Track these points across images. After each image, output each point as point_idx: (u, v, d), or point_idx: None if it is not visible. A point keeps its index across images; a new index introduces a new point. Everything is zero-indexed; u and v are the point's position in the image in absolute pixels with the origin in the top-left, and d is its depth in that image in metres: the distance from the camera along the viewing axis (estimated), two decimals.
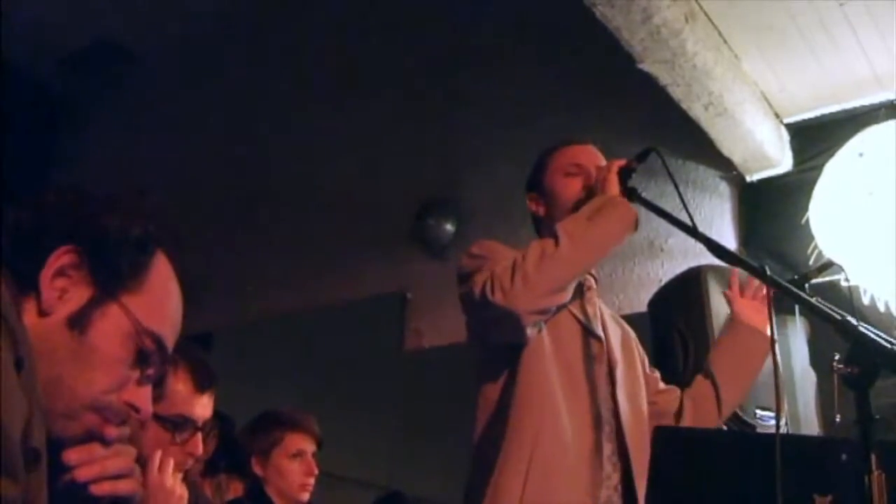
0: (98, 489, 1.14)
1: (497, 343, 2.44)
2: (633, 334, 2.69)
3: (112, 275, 1.16)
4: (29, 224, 1.11)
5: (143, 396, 1.19)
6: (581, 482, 2.29)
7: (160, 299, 1.21)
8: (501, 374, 2.41)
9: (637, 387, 2.55)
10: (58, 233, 1.12)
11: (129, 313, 1.16)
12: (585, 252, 2.34)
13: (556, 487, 2.27)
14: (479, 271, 2.35)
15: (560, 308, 2.41)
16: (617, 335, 2.58)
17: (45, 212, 1.13)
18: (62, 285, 1.11)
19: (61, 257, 1.11)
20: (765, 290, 2.49)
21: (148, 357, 1.19)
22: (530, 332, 2.35)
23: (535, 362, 2.38)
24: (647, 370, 2.68)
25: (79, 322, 1.12)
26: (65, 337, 1.12)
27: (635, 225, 2.38)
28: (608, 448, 2.37)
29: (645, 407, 2.54)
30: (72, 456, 1.12)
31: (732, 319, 2.72)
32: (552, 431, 2.31)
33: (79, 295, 1.13)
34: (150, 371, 1.20)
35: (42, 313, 1.10)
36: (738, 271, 2.73)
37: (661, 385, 2.70)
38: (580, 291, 2.52)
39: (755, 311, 2.67)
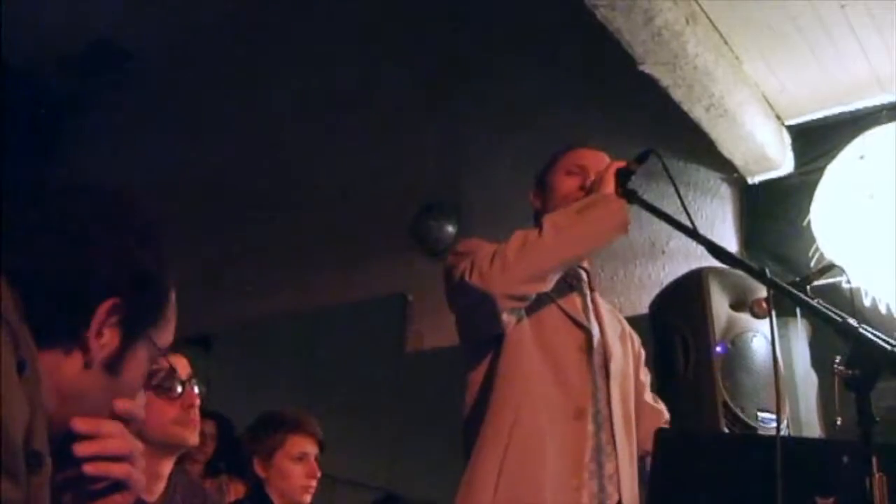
0: (91, 468, 1.13)
1: (476, 334, 2.45)
2: (630, 331, 2.69)
3: (147, 318, 1.17)
4: (73, 281, 1.09)
5: (140, 402, 1.21)
6: (561, 474, 2.29)
7: (172, 320, 1.23)
8: (483, 365, 2.42)
9: (628, 382, 2.55)
10: (101, 286, 1.11)
11: (154, 345, 1.18)
12: (568, 244, 2.33)
13: (530, 481, 2.27)
14: (461, 263, 2.35)
15: (546, 301, 2.41)
16: (615, 327, 2.58)
17: (86, 263, 1.10)
18: (98, 330, 1.11)
19: (104, 310, 1.11)
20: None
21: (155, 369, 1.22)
22: (506, 318, 2.35)
23: (514, 354, 2.38)
24: (641, 374, 2.67)
25: (114, 366, 1.13)
26: (100, 381, 1.13)
27: (625, 226, 2.36)
28: (602, 437, 2.37)
29: (633, 403, 2.53)
30: (79, 424, 1.12)
31: None
32: (529, 423, 2.32)
33: (113, 338, 1.13)
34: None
35: (87, 366, 1.11)
36: None
37: (649, 396, 2.68)
38: (570, 285, 2.52)
39: None
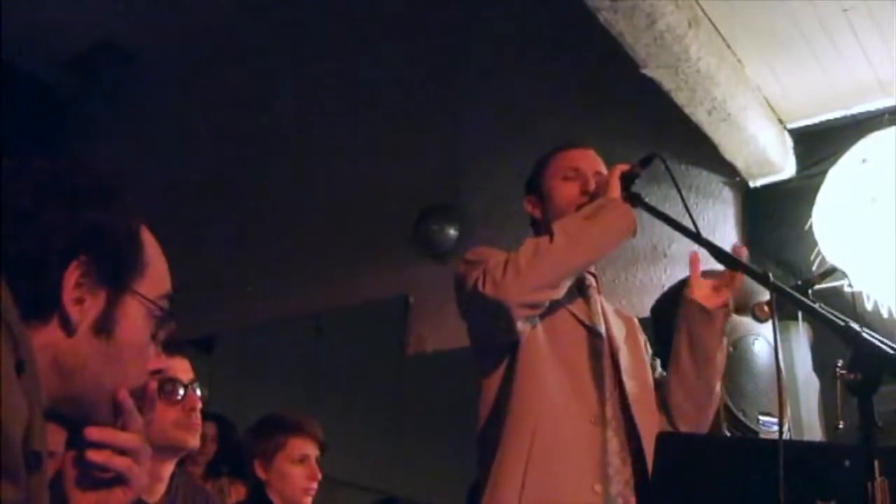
0: (94, 455, 1.14)
1: (490, 342, 2.44)
2: (636, 323, 2.67)
3: (121, 270, 1.16)
4: (34, 252, 1.09)
5: (154, 358, 1.22)
6: (584, 478, 2.29)
7: (158, 265, 1.22)
8: (499, 371, 2.42)
9: (647, 380, 2.53)
10: (63, 251, 1.10)
11: (143, 298, 1.17)
12: (580, 250, 2.33)
13: (555, 484, 2.27)
14: (474, 272, 2.35)
15: (557, 307, 2.41)
16: (621, 330, 2.57)
17: (44, 234, 1.10)
18: (79, 296, 1.11)
19: (74, 273, 1.10)
20: (734, 281, 2.44)
21: (160, 321, 1.21)
22: (521, 326, 2.34)
23: (531, 359, 2.37)
24: (650, 360, 2.67)
25: (104, 327, 1.13)
26: (94, 346, 1.12)
27: (634, 229, 2.37)
28: (615, 443, 2.36)
29: (653, 400, 2.52)
30: (93, 433, 1.14)
31: (685, 299, 2.50)
32: (550, 428, 2.31)
33: (95, 300, 1.12)
34: (160, 331, 1.22)
35: (70, 332, 1.10)
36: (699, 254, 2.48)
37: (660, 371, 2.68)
38: (580, 290, 2.52)
39: (711, 291, 2.45)
